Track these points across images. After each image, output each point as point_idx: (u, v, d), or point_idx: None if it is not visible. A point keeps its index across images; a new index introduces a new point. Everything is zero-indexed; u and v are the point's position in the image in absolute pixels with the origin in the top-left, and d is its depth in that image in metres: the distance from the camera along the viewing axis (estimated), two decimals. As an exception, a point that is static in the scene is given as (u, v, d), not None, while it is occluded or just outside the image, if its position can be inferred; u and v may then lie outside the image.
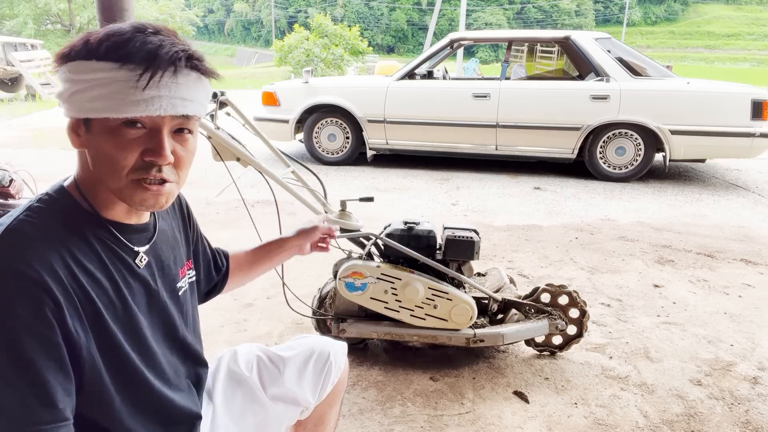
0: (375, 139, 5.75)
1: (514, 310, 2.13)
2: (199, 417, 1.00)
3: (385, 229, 2.04)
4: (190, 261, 1.06)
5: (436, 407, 1.89)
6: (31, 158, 6.08)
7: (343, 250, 2.13)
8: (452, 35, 5.92)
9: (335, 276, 2.05)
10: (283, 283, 1.92)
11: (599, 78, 5.22)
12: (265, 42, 58.63)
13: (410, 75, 5.75)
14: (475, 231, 2.05)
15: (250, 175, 4.67)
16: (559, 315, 2.10)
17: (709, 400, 1.95)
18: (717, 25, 63.10)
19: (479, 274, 2.40)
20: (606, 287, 2.93)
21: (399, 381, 2.03)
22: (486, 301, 2.17)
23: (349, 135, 5.86)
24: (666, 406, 1.91)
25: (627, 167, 5.34)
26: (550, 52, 9.62)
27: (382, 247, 2.03)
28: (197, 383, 1.03)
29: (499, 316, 2.15)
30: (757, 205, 4.63)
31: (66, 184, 0.84)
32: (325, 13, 23.83)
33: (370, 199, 1.99)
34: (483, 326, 2.06)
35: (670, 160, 5.23)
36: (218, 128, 1.71)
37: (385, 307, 1.98)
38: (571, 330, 2.14)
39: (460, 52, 16.70)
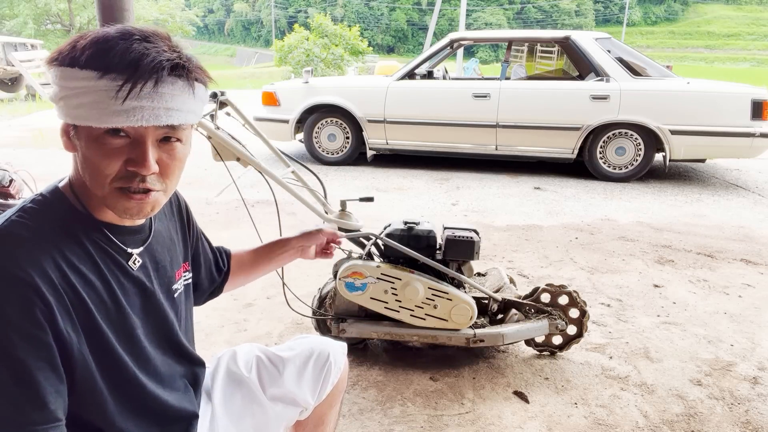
0: (375, 139, 5.75)
1: (514, 310, 2.13)
2: (195, 416, 0.99)
3: (385, 229, 2.04)
4: (186, 263, 1.06)
5: (436, 407, 1.89)
6: (31, 158, 6.08)
7: (343, 250, 2.13)
8: (452, 35, 5.92)
9: (335, 276, 2.05)
10: (283, 283, 1.92)
11: (599, 78, 5.22)
12: (265, 42, 58.63)
13: (410, 75, 5.75)
14: (475, 231, 2.05)
15: (250, 175, 4.66)
16: (559, 315, 2.10)
17: (709, 400, 1.95)
18: (717, 25, 63.10)
19: (479, 274, 2.40)
20: (606, 287, 2.93)
21: (399, 381, 2.03)
22: (486, 301, 2.17)
23: (349, 135, 5.86)
24: (666, 406, 1.91)
25: (627, 167, 5.34)
26: (550, 52, 9.62)
27: (382, 247, 2.03)
28: (194, 383, 1.03)
29: (499, 316, 2.15)
30: (757, 205, 4.63)
31: (61, 185, 0.84)
32: (325, 13, 23.83)
33: (370, 199, 1.99)
34: (483, 326, 2.06)
35: (670, 160, 5.23)
36: (218, 128, 1.71)
37: (385, 307, 1.98)
38: (571, 330, 2.14)
39: (460, 52, 16.69)
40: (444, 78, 6.24)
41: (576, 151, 5.35)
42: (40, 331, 0.72)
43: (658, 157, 5.51)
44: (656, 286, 2.96)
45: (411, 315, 1.98)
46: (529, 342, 2.19)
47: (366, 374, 2.07)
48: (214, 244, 1.24)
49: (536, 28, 54.52)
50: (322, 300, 2.19)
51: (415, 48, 59.01)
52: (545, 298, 2.14)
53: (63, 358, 0.75)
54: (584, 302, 2.11)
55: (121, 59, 0.73)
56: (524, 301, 2.12)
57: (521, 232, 3.85)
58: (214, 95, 1.69)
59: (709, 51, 56.11)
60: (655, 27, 65.51)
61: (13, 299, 0.70)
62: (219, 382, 1.12)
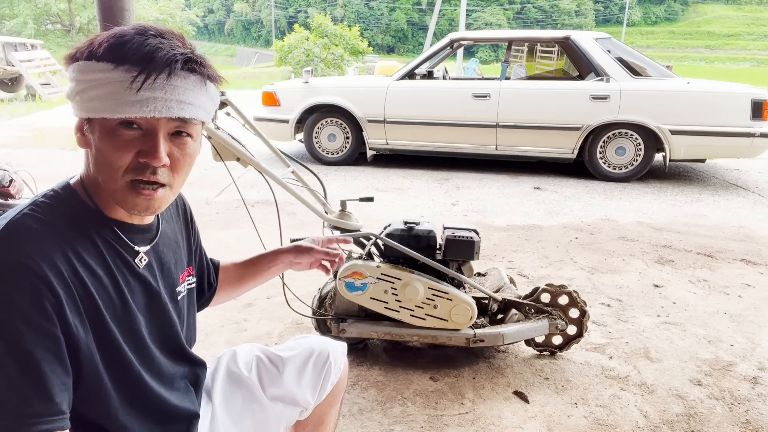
0: (375, 139, 5.75)
1: (514, 310, 2.13)
2: (196, 416, 1.00)
3: (385, 229, 2.04)
4: (191, 267, 1.06)
5: (436, 407, 1.89)
6: (31, 158, 6.08)
7: (343, 250, 2.13)
8: (452, 35, 5.92)
9: (335, 276, 2.05)
10: (283, 283, 1.92)
11: (599, 78, 5.22)
12: (265, 42, 58.64)
13: (410, 75, 5.75)
14: (475, 231, 2.05)
15: (250, 175, 4.67)
16: (559, 315, 2.10)
17: (709, 400, 1.95)
18: (717, 25, 63.09)
19: (479, 274, 2.40)
20: (606, 287, 2.93)
21: (399, 381, 2.03)
22: (486, 301, 2.17)
23: (349, 135, 5.86)
24: (666, 406, 1.91)
25: (627, 167, 5.34)
26: (550, 52, 9.62)
27: (382, 247, 2.03)
28: (195, 383, 1.03)
29: (499, 316, 2.15)
30: (757, 205, 4.63)
31: (72, 181, 0.85)
32: (325, 13, 23.83)
33: (370, 199, 1.99)
34: (483, 326, 2.06)
35: (670, 160, 5.23)
36: (218, 128, 1.71)
37: (385, 307, 1.98)
38: (571, 330, 2.14)
39: (460, 52, 16.70)
40: (444, 78, 6.24)
41: (576, 151, 5.35)
42: (49, 322, 0.73)
43: (658, 157, 5.51)
44: (656, 286, 2.96)
45: (411, 315, 1.98)
46: (529, 342, 2.19)
47: (366, 374, 2.07)
48: (214, 245, 1.24)
49: (536, 28, 54.53)
50: (322, 300, 2.19)
51: (415, 48, 59.01)
52: (545, 298, 2.14)
53: (70, 352, 0.76)
54: (584, 302, 2.11)
55: (136, 51, 0.75)
56: (524, 301, 2.12)
57: (521, 232, 3.85)
58: (213, 95, 1.69)
59: (709, 51, 56.10)
60: (655, 27, 65.51)
61: (23, 290, 0.71)
62: (219, 382, 1.12)
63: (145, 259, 0.89)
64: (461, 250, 2.01)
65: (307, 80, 5.89)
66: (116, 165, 0.79)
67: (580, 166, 5.58)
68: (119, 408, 0.84)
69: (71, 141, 6.86)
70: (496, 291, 2.20)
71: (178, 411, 0.95)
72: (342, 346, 1.22)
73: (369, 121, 5.67)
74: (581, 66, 5.48)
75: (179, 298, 0.99)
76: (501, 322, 2.13)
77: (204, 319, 2.44)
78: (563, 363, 2.17)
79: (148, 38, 0.77)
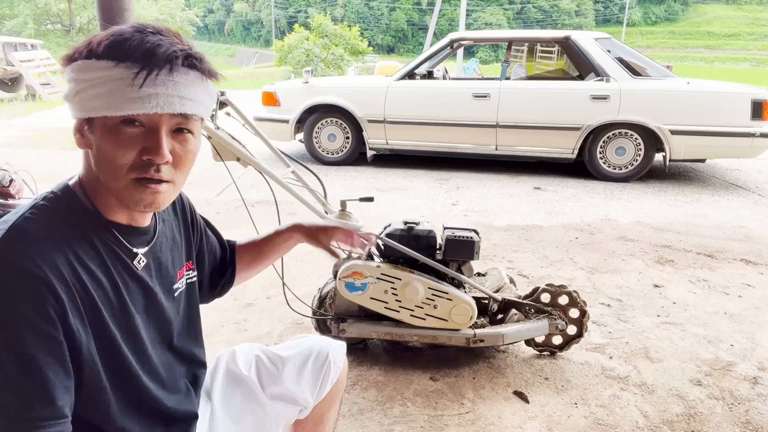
0: (375, 139, 5.75)
1: (514, 310, 2.13)
2: (195, 417, 1.00)
3: (385, 229, 2.04)
4: (190, 262, 1.06)
5: (436, 407, 1.89)
6: (31, 158, 6.08)
7: (343, 250, 2.13)
8: (452, 35, 5.92)
9: (335, 276, 2.05)
10: (283, 283, 1.92)
11: (599, 78, 5.22)
12: (265, 42, 58.63)
13: (410, 75, 5.75)
14: (475, 231, 2.05)
15: (250, 175, 4.66)
16: (559, 315, 2.10)
17: (709, 400, 1.95)
18: (717, 25, 63.09)
19: (479, 274, 2.40)
20: (606, 287, 2.93)
21: (399, 381, 2.03)
22: (486, 301, 2.17)
23: (349, 135, 5.86)
24: (666, 406, 1.91)
25: (627, 167, 5.34)
26: (550, 52, 9.62)
27: (382, 247, 2.03)
28: (194, 383, 1.03)
29: (499, 316, 2.15)
30: (757, 205, 4.63)
31: (71, 183, 0.85)
32: (325, 13, 23.84)
33: (370, 199, 1.99)
34: (483, 326, 2.06)
35: (670, 160, 5.23)
36: (218, 128, 1.71)
37: (385, 307, 1.98)
38: (571, 330, 2.14)
39: (460, 52, 16.70)
40: (444, 78, 6.25)
41: (576, 151, 5.35)
42: (51, 326, 0.73)
43: (658, 157, 5.51)
44: (656, 286, 2.96)
45: (411, 315, 1.98)
46: (529, 342, 2.19)
47: (366, 374, 2.07)
48: None
49: (536, 28, 54.52)
50: (322, 300, 2.19)
51: (415, 48, 59.00)
52: (545, 298, 2.14)
53: (72, 355, 0.76)
54: (584, 302, 2.11)
55: (137, 48, 0.75)
56: (524, 301, 2.12)
57: (521, 232, 3.85)
58: (213, 95, 1.69)
59: (709, 51, 56.09)
60: (655, 27, 65.50)
61: (25, 294, 0.71)
62: (218, 381, 1.12)
63: (143, 261, 0.89)
64: (461, 250, 2.01)
65: (307, 80, 5.89)
66: (119, 163, 0.78)
67: (580, 166, 5.58)
68: (118, 410, 0.85)
69: (71, 141, 6.86)
70: (496, 291, 2.20)
71: (177, 412, 0.95)
72: (341, 346, 1.22)
73: (369, 121, 5.67)
74: (581, 66, 5.48)
75: (176, 294, 0.99)
76: (501, 322, 2.13)
77: (204, 319, 2.42)
78: (563, 363, 2.17)
79: (147, 35, 0.77)
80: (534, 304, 2.11)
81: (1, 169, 2.41)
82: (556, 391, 1.99)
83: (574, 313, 2.12)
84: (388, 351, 2.24)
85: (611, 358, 2.22)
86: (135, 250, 0.88)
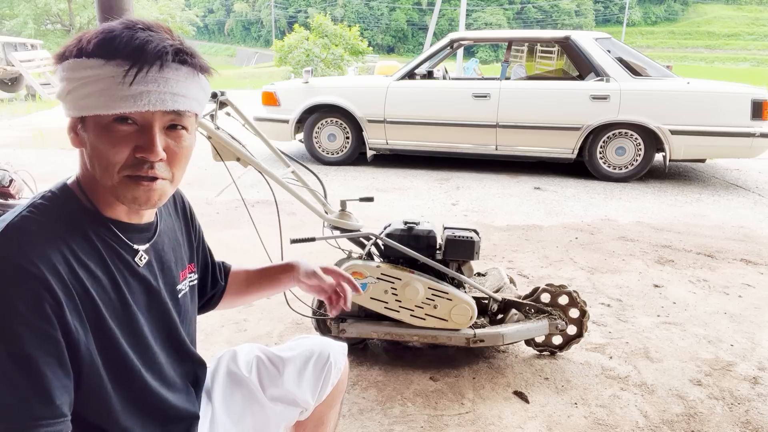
0: (375, 139, 5.75)
1: (514, 310, 2.13)
2: (196, 417, 1.00)
3: (385, 229, 2.04)
4: (192, 264, 1.05)
5: (436, 407, 1.89)
6: (31, 158, 6.08)
7: (343, 250, 2.13)
8: (452, 35, 5.92)
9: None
10: (283, 283, 1.92)
11: (599, 78, 5.22)
12: (265, 42, 58.62)
13: (410, 75, 5.75)
14: (475, 231, 2.05)
15: (250, 175, 4.67)
16: (559, 315, 2.10)
17: (709, 400, 1.95)
18: (717, 25, 63.09)
19: (479, 274, 2.40)
20: (606, 287, 2.93)
21: (399, 381, 2.03)
22: (486, 301, 2.17)
23: (349, 135, 5.86)
24: (666, 406, 1.91)
25: (627, 167, 5.34)
26: (550, 52, 9.62)
27: (382, 247, 2.03)
28: (195, 384, 1.03)
29: (499, 316, 2.15)
30: (757, 205, 4.63)
31: (69, 182, 0.85)
32: (325, 13, 23.84)
33: (370, 199, 1.99)
34: (483, 326, 2.06)
35: (670, 160, 5.23)
36: (218, 128, 1.72)
37: (385, 307, 1.98)
38: (571, 330, 2.14)
39: (460, 52, 16.70)
40: (444, 78, 6.24)
41: (576, 151, 5.35)
42: (49, 325, 0.73)
43: (658, 157, 5.51)
44: (656, 286, 2.96)
45: (411, 315, 1.98)
46: (529, 342, 2.19)
47: (366, 374, 2.07)
48: (214, 245, 1.23)
49: (536, 28, 54.52)
50: (322, 300, 2.19)
51: (415, 48, 58.99)
52: (545, 298, 2.14)
53: (70, 354, 0.76)
54: (584, 302, 2.11)
55: (126, 45, 0.75)
56: (524, 301, 2.12)
57: (521, 232, 3.85)
58: (214, 95, 1.69)
59: (709, 51, 56.08)
60: (655, 27, 65.50)
61: (23, 293, 0.71)
62: (219, 382, 1.12)
63: (144, 258, 0.89)
64: (461, 250, 2.01)
65: (307, 80, 5.89)
66: (113, 161, 0.78)
67: (580, 166, 5.58)
68: (119, 409, 0.84)
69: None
70: (496, 291, 2.20)
71: (178, 412, 0.95)
72: (342, 347, 1.22)
73: (369, 121, 5.67)
74: (581, 66, 5.48)
75: (180, 296, 0.98)
76: (501, 322, 2.13)
77: (204, 319, 2.43)
78: (563, 363, 2.17)
79: (137, 32, 0.76)
80: (534, 304, 2.11)
81: (1, 169, 2.41)
82: (556, 391, 1.99)
83: (574, 313, 2.12)
84: (388, 351, 2.24)
85: (611, 358, 2.22)
86: (136, 246, 0.87)
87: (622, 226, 4.03)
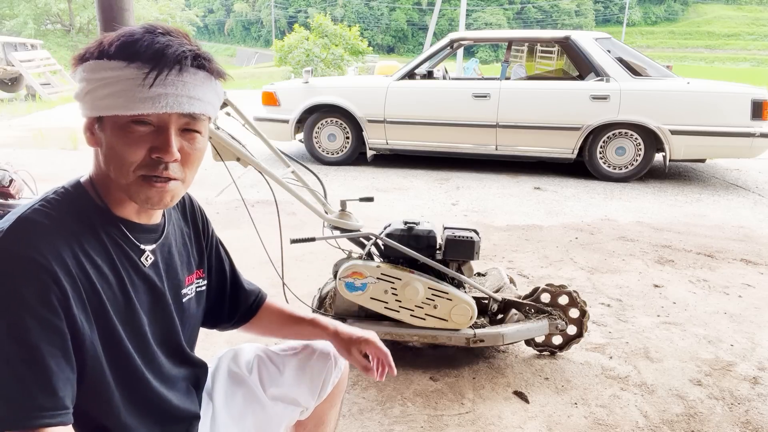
0: (375, 139, 5.75)
1: (514, 310, 2.13)
2: (197, 417, 1.00)
3: (385, 229, 2.04)
4: (201, 270, 1.05)
5: (436, 407, 1.89)
6: (31, 158, 6.07)
7: (343, 250, 2.13)
8: (452, 35, 5.92)
9: (335, 276, 2.06)
10: (283, 283, 1.92)
11: (599, 78, 5.22)
12: (265, 42, 58.62)
13: (410, 75, 5.75)
14: (475, 231, 2.05)
15: (250, 175, 4.67)
16: (559, 315, 2.10)
17: (709, 400, 1.95)
18: (717, 25, 63.07)
19: (479, 274, 2.40)
20: (606, 287, 2.93)
21: (399, 381, 2.03)
22: (486, 301, 2.17)
23: (349, 135, 5.86)
24: (666, 406, 1.91)
25: (627, 167, 5.34)
26: (550, 52, 9.62)
27: (382, 247, 2.03)
28: (196, 384, 1.03)
29: (499, 316, 2.15)
30: (757, 205, 4.63)
31: (83, 180, 0.86)
32: (325, 13, 23.84)
33: (370, 199, 1.99)
34: (483, 326, 2.06)
35: (670, 160, 5.23)
36: (218, 128, 1.72)
37: (385, 307, 1.98)
38: (571, 330, 2.14)
39: (460, 52, 16.70)
40: (444, 78, 6.24)
41: (576, 151, 5.35)
42: (55, 316, 0.73)
43: (658, 157, 5.51)
44: (656, 286, 2.96)
45: (411, 315, 1.98)
46: (529, 342, 2.19)
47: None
48: None
49: (536, 28, 54.52)
50: (322, 300, 2.19)
51: (415, 48, 58.97)
52: (545, 298, 2.14)
53: (75, 347, 0.76)
54: (584, 302, 2.12)
55: (147, 49, 0.77)
56: (524, 301, 2.12)
57: (521, 232, 3.85)
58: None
59: (709, 51, 56.07)
60: (655, 27, 65.48)
61: (30, 283, 0.72)
62: (220, 382, 1.12)
63: (150, 258, 0.90)
64: (461, 250, 2.01)
65: (307, 80, 5.89)
66: (129, 161, 0.80)
67: (580, 166, 5.58)
68: (121, 406, 0.85)
69: (71, 141, 6.86)
70: (496, 291, 2.20)
71: (179, 411, 0.95)
72: (343, 347, 1.22)
73: (369, 121, 5.67)
74: (581, 66, 5.48)
75: (185, 300, 0.99)
76: (501, 322, 2.13)
77: (204, 319, 2.43)
78: (563, 363, 2.17)
79: (157, 36, 0.78)
80: (534, 304, 2.11)
81: (1, 169, 2.41)
82: (556, 391, 1.99)
83: (574, 313, 2.12)
84: (388, 351, 2.24)
85: (611, 358, 2.22)
86: (142, 246, 0.89)
87: (622, 226, 4.03)
